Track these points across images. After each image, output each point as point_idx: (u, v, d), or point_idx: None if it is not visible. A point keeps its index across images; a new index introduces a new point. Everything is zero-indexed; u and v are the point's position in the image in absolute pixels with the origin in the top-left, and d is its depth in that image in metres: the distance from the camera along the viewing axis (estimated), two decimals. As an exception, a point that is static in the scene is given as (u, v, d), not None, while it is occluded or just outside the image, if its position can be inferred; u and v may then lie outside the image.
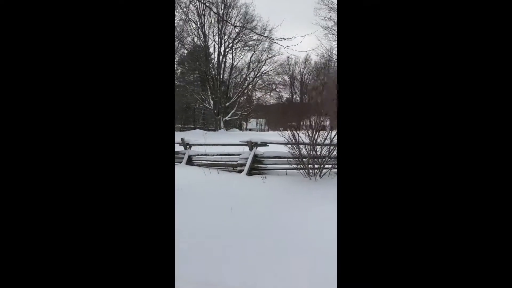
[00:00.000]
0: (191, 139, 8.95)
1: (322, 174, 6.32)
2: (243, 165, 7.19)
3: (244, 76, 29.20)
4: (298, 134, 6.50)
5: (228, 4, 25.47)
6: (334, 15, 21.42)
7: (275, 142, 7.19)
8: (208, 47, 27.04)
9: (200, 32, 26.47)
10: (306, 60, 37.50)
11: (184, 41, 25.95)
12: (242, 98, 29.72)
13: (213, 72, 26.80)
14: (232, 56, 28.53)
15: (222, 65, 27.79)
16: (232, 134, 19.63)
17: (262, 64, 28.69)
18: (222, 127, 25.73)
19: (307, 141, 6.35)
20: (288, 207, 4.57)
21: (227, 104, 27.37)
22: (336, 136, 6.16)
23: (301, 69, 38.56)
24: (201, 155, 8.11)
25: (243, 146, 7.64)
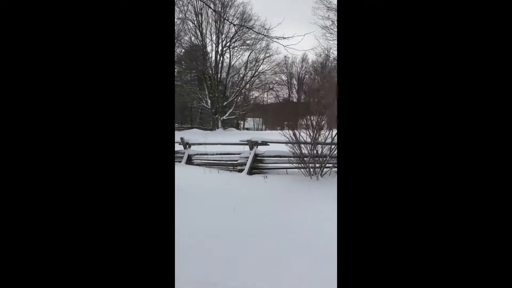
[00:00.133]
0: (190, 138, 8.92)
1: (323, 173, 6.32)
2: (244, 164, 7.17)
3: (241, 75, 29.18)
4: (299, 133, 6.49)
5: (226, 3, 25.42)
6: (332, 14, 21.45)
7: (276, 141, 7.19)
8: (205, 46, 26.99)
9: (197, 31, 26.42)
10: (303, 60, 37.57)
11: (181, 40, 25.87)
12: (239, 98, 29.69)
13: (211, 71, 26.74)
14: (230, 55, 28.53)
15: (220, 64, 27.73)
16: (231, 134, 19.61)
17: (260, 64, 28.71)
18: (219, 126, 25.68)
19: (308, 140, 6.35)
20: (289, 207, 4.57)
21: (225, 103, 27.33)
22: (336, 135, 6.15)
23: (298, 68, 38.63)
24: (201, 154, 8.09)
25: (243, 146, 7.63)
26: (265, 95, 36.49)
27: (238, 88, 28.82)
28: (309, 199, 4.96)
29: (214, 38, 27.28)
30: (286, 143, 6.62)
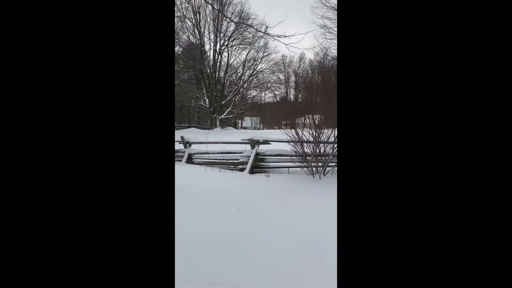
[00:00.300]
0: (191, 137, 8.88)
1: (325, 172, 6.30)
2: (245, 163, 7.14)
3: (239, 74, 29.12)
4: (302, 131, 6.46)
5: (224, 1, 25.33)
6: (331, 14, 21.47)
7: (278, 140, 7.16)
8: (203, 45, 26.89)
9: (195, 30, 26.31)
10: (301, 59, 37.60)
11: (179, 39, 25.75)
12: (237, 97, 29.62)
13: (209, 70, 26.65)
14: (228, 54, 28.47)
15: (218, 63, 27.65)
16: (231, 133, 19.56)
17: (258, 63, 28.67)
18: (217, 125, 25.62)
19: (310, 139, 6.32)
20: (291, 206, 4.54)
21: (223, 102, 27.27)
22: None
23: (295, 67, 38.66)
24: (202, 153, 8.04)
25: (244, 144, 7.59)
26: (263, 94, 36.51)
27: (236, 87, 28.77)
28: (311, 198, 4.94)
29: (212, 36, 27.23)
30: (288, 142, 6.59)
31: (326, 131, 6.38)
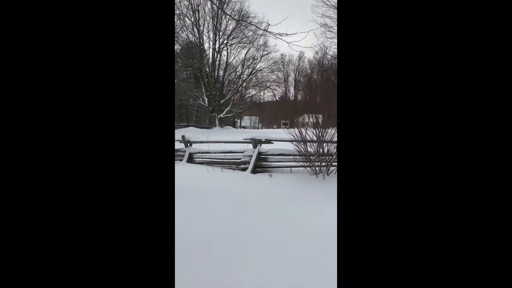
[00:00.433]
0: (192, 136, 8.80)
1: (329, 172, 6.24)
2: (247, 162, 7.07)
3: (238, 73, 29.03)
4: (306, 131, 6.40)
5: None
6: (331, 12, 21.41)
7: (280, 139, 7.09)
8: (202, 44, 26.76)
9: (194, 28, 26.19)
10: (300, 58, 37.55)
11: (178, 37, 25.61)
12: (236, 96, 29.52)
13: (208, 69, 26.54)
14: (227, 53, 28.35)
15: (217, 62, 27.54)
16: (231, 132, 19.51)
17: (257, 62, 28.57)
18: (216, 124, 25.53)
19: (313, 138, 6.25)
20: (294, 206, 4.50)
21: (222, 101, 27.17)
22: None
23: (294, 66, 38.62)
24: (203, 152, 7.96)
25: (246, 144, 7.52)
26: (262, 93, 36.45)
27: (235, 86, 28.67)
28: (314, 198, 4.88)
29: (211, 35, 27.10)
30: (290, 141, 6.52)
31: (329, 130, 6.31)
